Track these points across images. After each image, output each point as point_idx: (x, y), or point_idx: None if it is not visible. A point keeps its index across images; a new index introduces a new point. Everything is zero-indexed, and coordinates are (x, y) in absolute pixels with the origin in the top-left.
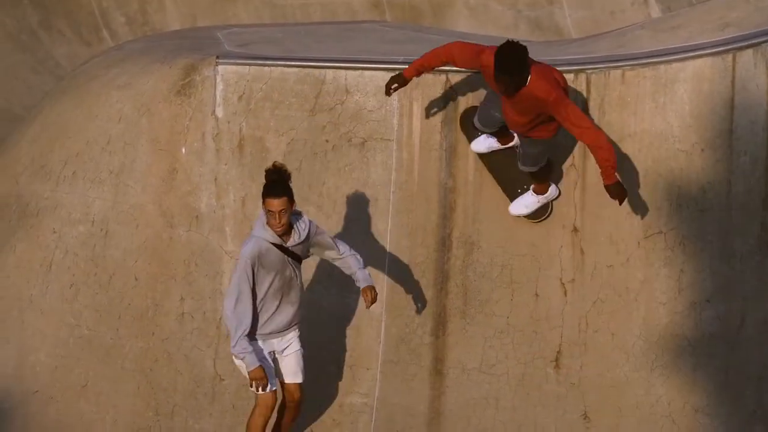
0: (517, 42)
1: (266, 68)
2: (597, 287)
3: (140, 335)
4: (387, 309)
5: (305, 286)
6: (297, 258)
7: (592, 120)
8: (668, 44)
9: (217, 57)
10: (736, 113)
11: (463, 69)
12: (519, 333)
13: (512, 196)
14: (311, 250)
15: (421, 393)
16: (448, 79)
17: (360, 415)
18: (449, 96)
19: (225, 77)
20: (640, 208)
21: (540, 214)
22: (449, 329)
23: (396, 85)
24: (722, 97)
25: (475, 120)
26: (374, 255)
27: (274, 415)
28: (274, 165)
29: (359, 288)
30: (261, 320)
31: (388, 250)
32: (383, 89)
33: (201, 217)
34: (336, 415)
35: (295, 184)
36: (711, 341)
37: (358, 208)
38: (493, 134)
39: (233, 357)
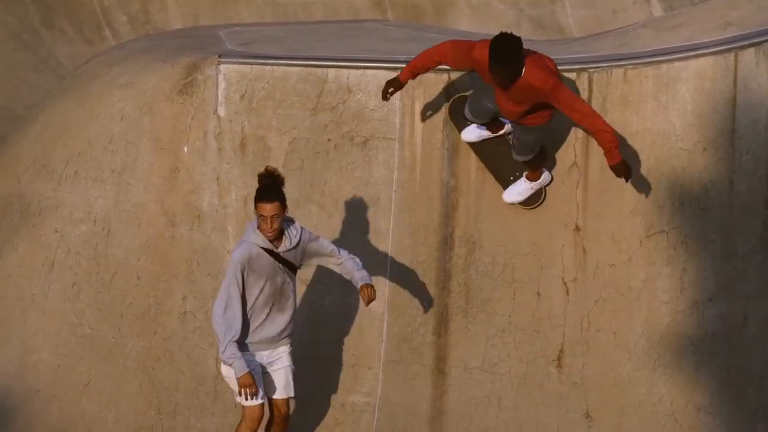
0: (511, 33)
1: (268, 67)
2: (599, 286)
3: (142, 334)
4: (389, 308)
5: (307, 284)
6: (289, 266)
7: (589, 104)
8: (670, 43)
9: (219, 56)
10: (738, 112)
11: (458, 69)
12: (521, 332)
13: (505, 184)
14: (309, 261)
15: (423, 392)
16: (449, 78)
17: (362, 414)
18: (451, 94)
19: (227, 76)
20: (642, 206)
21: (533, 200)
22: (451, 328)
23: (392, 89)
24: (724, 96)
25: (466, 111)
26: (376, 254)
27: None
28: (267, 169)
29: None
30: (251, 328)
31: (390, 249)
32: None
33: (203, 216)
34: (338, 414)
35: (297, 183)
36: (713, 340)
37: (360, 207)
38: (483, 124)
39: (221, 368)
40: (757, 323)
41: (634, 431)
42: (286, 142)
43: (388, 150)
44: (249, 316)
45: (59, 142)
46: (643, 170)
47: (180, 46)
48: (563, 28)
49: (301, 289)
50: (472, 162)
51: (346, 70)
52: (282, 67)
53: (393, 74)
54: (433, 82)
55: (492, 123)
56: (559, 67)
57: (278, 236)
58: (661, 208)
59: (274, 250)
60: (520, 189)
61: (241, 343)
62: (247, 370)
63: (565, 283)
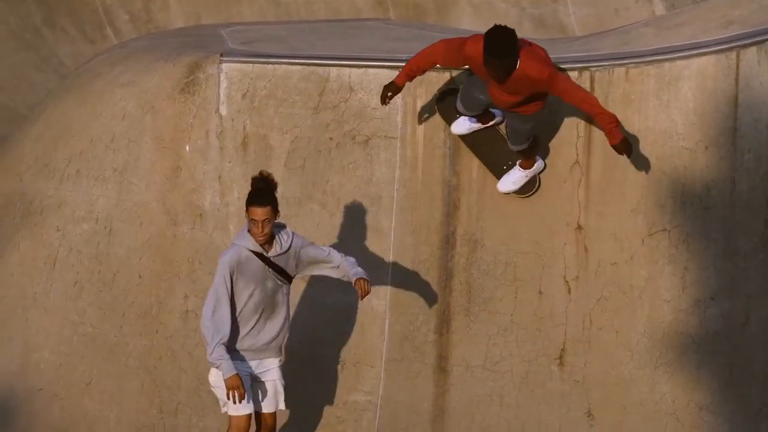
0: (504, 25)
1: (270, 66)
2: (601, 285)
3: (144, 333)
4: (391, 306)
5: (308, 283)
6: (281, 272)
7: (585, 89)
8: (672, 42)
9: (221, 55)
10: (740, 111)
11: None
12: (523, 330)
13: (498, 174)
14: (305, 270)
15: (425, 390)
16: (451, 77)
17: (364, 412)
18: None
19: (229, 75)
20: (644, 205)
21: (528, 188)
22: (453, 327)
23: (390, 93)
24: (726, 94)
25: (458, 104)
26: (378, 253)
27: None
28: (260, 173)
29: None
30: (240, 334)
31: (391, 247)
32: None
33: (205, 214)
34: (340, 413)
35: (298, 182)
36: (715, 339)
37: (361, 206)
38: (474, 116)
39: (209, 377)
40: (759, 322)
41: (636, 430)
42: (288, 141)
43: (390, 149)
44: (238, 322)
45: (61, 140)
46: (645, 169)
47: (182, 45)
48: (565, 26)
49: (302, 288)
50: (473, 161)
51: (347, 69)
52: (284, 66)
53: (395, 73)
54: (435, 81)
55: (483, 114)
56: (561, 66)
57: (269, 240)
58: (663, 207)
59: (264, 254)
60: (515, 178)
61: (230, 350)
62: (235, 371)
63: (566, 281)
